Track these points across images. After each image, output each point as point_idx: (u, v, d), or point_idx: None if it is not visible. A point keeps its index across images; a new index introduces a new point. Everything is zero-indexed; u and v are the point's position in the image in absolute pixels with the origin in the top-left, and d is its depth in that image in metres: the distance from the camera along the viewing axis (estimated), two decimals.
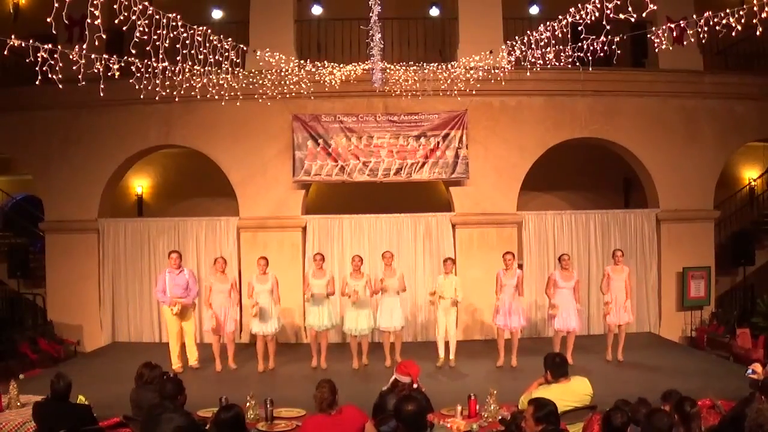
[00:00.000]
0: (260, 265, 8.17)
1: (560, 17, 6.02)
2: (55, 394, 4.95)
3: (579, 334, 8.57)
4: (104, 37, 4.79)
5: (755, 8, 4.97)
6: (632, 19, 5.32)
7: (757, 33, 5.47)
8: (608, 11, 5.11)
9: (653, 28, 6.41)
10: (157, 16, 5.22)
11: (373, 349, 8.52)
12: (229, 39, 6.67)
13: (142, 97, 6.70)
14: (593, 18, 5.36)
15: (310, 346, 8.42)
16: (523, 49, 6.91)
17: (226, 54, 6.68)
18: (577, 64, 6.64)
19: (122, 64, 5.86)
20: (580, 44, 6.23)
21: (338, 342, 9.32)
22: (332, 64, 8.52)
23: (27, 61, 4.83)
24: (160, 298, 8.41)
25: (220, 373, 8.15)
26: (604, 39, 5.83)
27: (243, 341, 9.43)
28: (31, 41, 4.77)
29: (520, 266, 10.41)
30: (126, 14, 4.76)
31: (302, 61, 8.55)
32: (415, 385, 5.12)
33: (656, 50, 6.77)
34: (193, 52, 6.06)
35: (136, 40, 5.25)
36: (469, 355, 8.65)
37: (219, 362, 8.25)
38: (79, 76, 5.20)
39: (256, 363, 8.30)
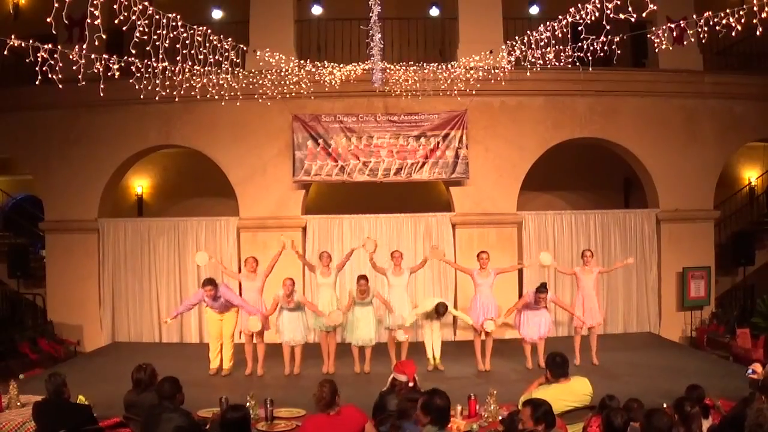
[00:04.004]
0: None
1: (560, 17, 6.02)
2: (51, 393, 4.96)
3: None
4: (104, 37, 4.81)
5: (755, 8, 4.98)
6: (632, 19, 5.33)
7: (757, 33, 5.47)
8: (608, 11, 5.12)
9: (653, 28, 6.42)
10: (157, 16, 5.22)
11: (377, 353, 8.34)
12: (229, 39, 6.67)
13: (142, 97, 6.70)
14: (593, 18, 5.36)
15: (320, 350, 8.25)
16: (523, 49, 6.91)
17: (226, 54, 6.68)
18: (577, 64, 6.64)
19: (122, 64, 5.86)
20: (580, 44, 6.23)
21: (339, 342, 9.30)
22: (332, 64, 8.51)
23: (27, 61, 4.84)
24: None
25: (224, 374, 8.11)
26: (604, 39, 5.83)
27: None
28: (31, 41, 4.77)
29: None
30: (126, 14, 4.76)
31: (302, 61, 8.55)
32: (411, 384, 5.16)
33: (656, 50, 6.78)
34: (193, 52, 6.07)
35: (136, 40, 5.26)
36: (469, 355, 8.62)
37: (251, 365, 8.13)
38: (79, 76, 5.20)
39: (278, 365, 8.18)
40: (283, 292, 7.84)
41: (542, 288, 7.87)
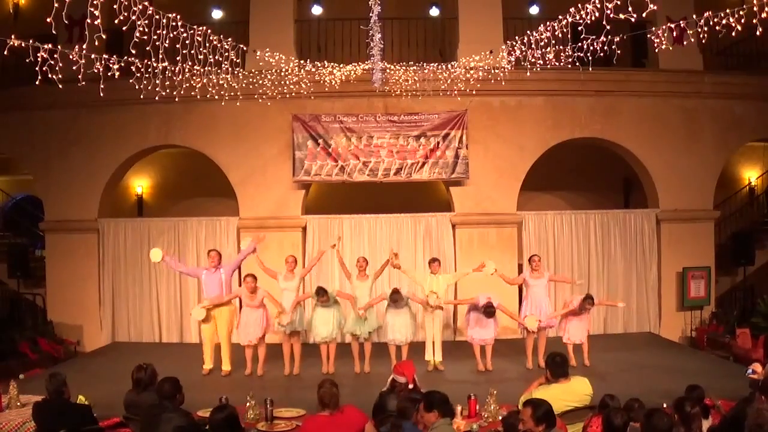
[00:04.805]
0: (288, 262, 8.17)
1: (560, 17, 6.02)
2: (51, 393, 4.96)
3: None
4: (104, 37, 4.80)
5: (755, 8, 4.98)
6: (632, 19, 5.33)
7: (757, 33, 5.47)
8: (608, 11, 5.12)
9: (653, 28, 6.41)
10: (157, 16, 5.22)
11: (377, 353, 8.31)
12: (229, 39, 6.67)
13: (142, 97, 6.71)
14: (593, 18, 5.37)
15: (320, 350, 8.22)
16: (523, 49, 6.92)
17: (226, 54, 6.68)
18: (577, 64, 6.65)
19: (122, 64, 5.86)
20: (580, 44, 6.23)
21: (339, 342, 9.30)
22: (332, 64, 8.52)
23: (27, 61, 4.84)
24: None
25: (224, 375, 8.09)
26: (604, 39, 5.83)
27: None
28: (31, 41, 4.77)
29: (520, 266, 10.44)
30: (126, 14, 4.77)
31: (302, 61, 8.55)
32: (411, 386, 5.16)
33: (656, 50, 6.78)
34: (193, 52, 6.07)
35: (136, 40, 5.26)
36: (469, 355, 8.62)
37: (250, 366, 8.13)
38: (79, 76, 5.21)
39: (278, 365, 8.18)
40: (287, 269, 8.03)
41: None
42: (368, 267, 8.32)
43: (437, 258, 8.61)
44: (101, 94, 5.74)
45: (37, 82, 5.13)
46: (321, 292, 7.89)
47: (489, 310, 7.77)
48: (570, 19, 5.82)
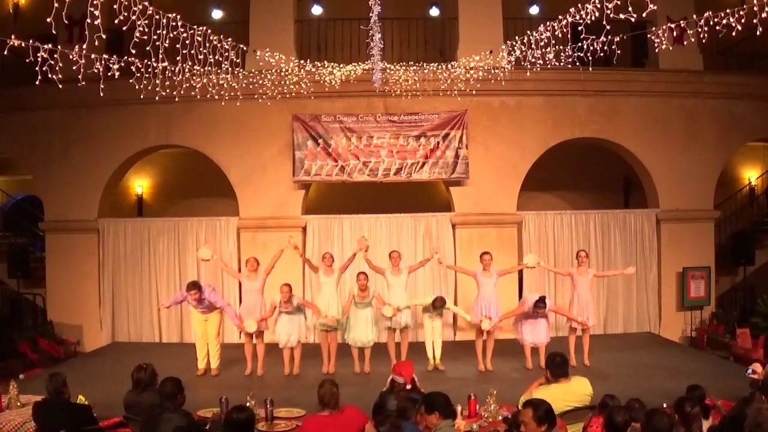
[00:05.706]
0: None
1: (560, 17, 6.03)
2: (51, 393, 4.97)
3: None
4: (104, 37, 4.81)
5: (755, 8, 4.98)
6: (632, 19, 5.34)
7: (757, 33, 5.47)
8: (608, 11, 5.12)
9: (653, 28, 6.42)
10: (157, 16, 5.23)
11: (377, 352, 8.32)
12: (229, 39, 6.68)
13: (142, 97, 6.71)
14: (593, 18, 5.37)
15: (321, 350, 8.22)
16: (523, 49, 6.92)
17: (226, 54, 6.68)
18: (577, 64, 6.66)
19: (122, 64, 5.86)
20: (580, 44, 6.24)
21: (339, 343, 9.30)
22: (332, 64, 8.53)
23: (27, 61, 4.84)
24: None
25: (213, 374, 8.08)
26: (604, 39, 5.84)
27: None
28: (31, 41, 4.77)
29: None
30: (126, 14, 4.77)
31: (302, 61, 8.56)
32: (408, 386, 5.16)
33: (656, 50, 6.79)
34: (193, 52, 6.07)
35: (136, 40, 5.26)
36: (470, 355, 8.62)
37: (250, 365, 8.12)
38: (79, 76, 5.21)
39: (278, 365, 8.16)
40: (281, 298, 7.81)
41: (540, 303, 7.72)
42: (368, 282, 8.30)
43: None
44: (101, 94, 5.75)
45: (37, 82, 5.13)
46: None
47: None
48: (570, 19, 5.83)
